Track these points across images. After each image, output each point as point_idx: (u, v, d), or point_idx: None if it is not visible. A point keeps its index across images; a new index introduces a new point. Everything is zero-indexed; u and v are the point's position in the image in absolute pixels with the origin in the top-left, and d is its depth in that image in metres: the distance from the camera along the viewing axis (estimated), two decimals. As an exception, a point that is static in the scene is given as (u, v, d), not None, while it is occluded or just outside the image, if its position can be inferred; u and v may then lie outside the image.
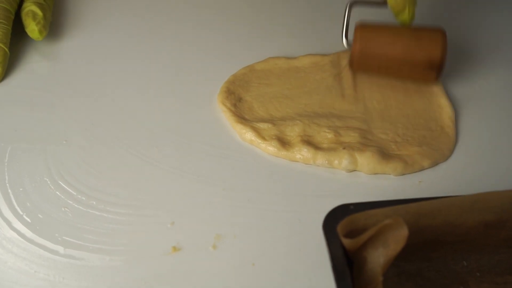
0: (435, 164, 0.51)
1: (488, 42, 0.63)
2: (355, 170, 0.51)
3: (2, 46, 0.56)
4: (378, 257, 0.40)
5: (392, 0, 0.52)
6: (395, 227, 0.39)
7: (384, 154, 0.51)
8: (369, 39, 0.53)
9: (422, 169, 0.51)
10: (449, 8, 0.67)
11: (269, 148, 0.52)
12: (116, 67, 0.59)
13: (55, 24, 0.62)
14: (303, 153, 0.51)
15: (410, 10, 0.53)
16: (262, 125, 0.53)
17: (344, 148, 0.51)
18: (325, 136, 0.52)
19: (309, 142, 0.51)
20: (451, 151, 0.52)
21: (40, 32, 0.58)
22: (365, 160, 0.50)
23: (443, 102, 0.55)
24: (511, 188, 0.44)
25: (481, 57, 0.61)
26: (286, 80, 0.58)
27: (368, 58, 0.54)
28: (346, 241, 0.40)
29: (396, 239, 0.39)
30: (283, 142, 0.52)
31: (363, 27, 0.54)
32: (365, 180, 0.50)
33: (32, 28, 0.57)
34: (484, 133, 0.54)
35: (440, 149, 0.52)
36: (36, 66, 0.58)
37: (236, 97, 0.55)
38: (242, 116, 0.54)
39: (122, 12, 0.64)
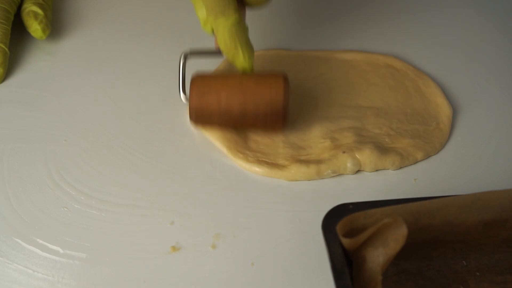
0: (427, 156, 0.52)
1: (488, 43, 0.63)
2: (359, 170, 0.51)
3: (3, 46, 0.56)
4: (378, 256, 0.39)
5: (222, 44, 0.48)
6: (395, 226, 0.39)
7: (381, 149, 0.51)
8: (203, 94, 0.49)
9: (416, 161, 0.51)
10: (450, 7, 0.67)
11: (257, 170, 0.50)
12: (116, 67, 0.59)
13: (54, 24, 0.62)
14: (303, 170, 0.50)
15: (245, 53, 0.48)
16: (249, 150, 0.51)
17: (344, 152, 0.50)
18: (322, 146, 0.52)
19: (308, 161, 0.50)
20: (442, 145, 0.53)
21: (44, 31, 0.58)
22: (367, 158, 0.50)
23: (441, 101, 0.56)
24: (510, 187, 0.44)
25: (481, 57, 0.61)
26: None
27: (206, 114, 0.49)
28: (345, 241, 0.40)
29: (396, 238, 0.39)
30: (274, 164, 0.50)
31: (197, 81, 0.49)
32: (369, 177, 0.51)
33: (35, 28, 0.58)
34: (481, 131, 0.54)
35: (431, 142, 0.52)
36: (36, 66, 0.58)
37: None
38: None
39: (121, 11, 0.64)
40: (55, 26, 0.62)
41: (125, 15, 0.64)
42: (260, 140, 0.52)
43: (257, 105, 0.48)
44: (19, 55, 0.59)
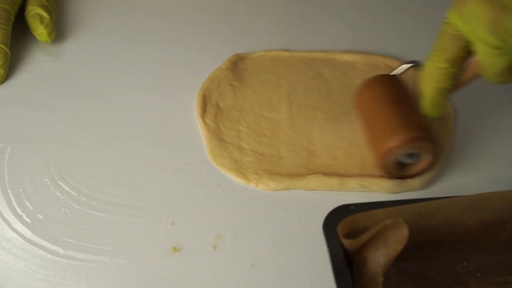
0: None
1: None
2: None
3: (3, 47, 0.56)
4: (379, 257, 0.40)
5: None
6: (396, 227, 0.39)
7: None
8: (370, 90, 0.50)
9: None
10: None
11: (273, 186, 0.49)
12: (116, 68, 0.59)
13: (55, 24, 0.62)
14: (325, 181, 0.49)
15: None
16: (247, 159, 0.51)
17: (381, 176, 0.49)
18: (344, 161, 0.50)
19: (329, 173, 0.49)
20: (452, 145, 0.53)
21: (49, 35, 0.58)
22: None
23: None
24: (510, 188, 0.44)
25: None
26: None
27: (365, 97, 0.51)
28: (346, 241, 0.40)
29: (397, 239, 0.39)
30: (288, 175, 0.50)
31: (376, 80, 0.50)
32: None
33: (40, 32, 0.58)
34: (481, 131, 0.54)
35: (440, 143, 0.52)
36: (36, 66, 0.58)
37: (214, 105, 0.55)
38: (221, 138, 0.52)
39: (122, 13, 0.64)
40: (56, 27, 0.62)
41: (126, 16, 0.64)
42: (263, 149, 0.52)
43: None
44: (20, 55, 0.59)
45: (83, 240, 0.45)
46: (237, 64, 0.59)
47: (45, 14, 0.58)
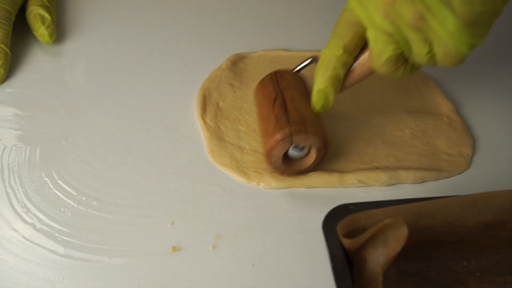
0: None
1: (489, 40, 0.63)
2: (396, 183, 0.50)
3: (3, 47, 0.56)
4: (378, 257, 0.39)
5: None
6: (395, 226, 0.39)
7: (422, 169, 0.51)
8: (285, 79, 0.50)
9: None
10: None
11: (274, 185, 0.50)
12: (116, 68, 0.59)
13: (56, 24, 0.62)
14: (325, 178, 0.49)
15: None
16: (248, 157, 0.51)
17: (377, 168, 0.50)
18: (346, 158, 0.51)
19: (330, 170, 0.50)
20: (471, 147, 0.53)
21: (50, 36, 0.58)
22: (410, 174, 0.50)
23: (441, 99, 0.56)
24: (511, 188, 0.44)
25: (481, 57, 0.62)
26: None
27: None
28: (346, 241, 0.40)
29: (396, 239, 0.38)
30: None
31: (291, 73, 0.50)
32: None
33: (42, 32, 0.58)
34: (481, 131, 0.55)
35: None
36: (36, 66, 0.58)
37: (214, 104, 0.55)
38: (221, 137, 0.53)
39: (122, 13, 0.64)
40: (57, 27, 0.62)
41: (126, 16, 0.64)
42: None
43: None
44: (20, 55, 0.59)
45: (83, 240, 0.45)
46: (237, 63, 0.59)
47: (46, 15, 0.58)
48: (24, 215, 0.47)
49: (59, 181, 0.49)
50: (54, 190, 0.48)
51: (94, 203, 0.48)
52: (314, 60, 0.50)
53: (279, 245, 0.46)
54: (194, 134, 0.53)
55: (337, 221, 0.40)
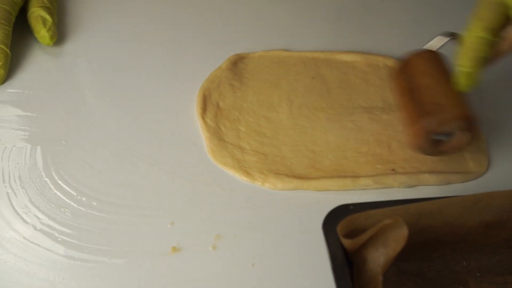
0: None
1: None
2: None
3: (4, 48, 0.56)
4: (378, 257, 0.39)
5: None
6: (395, 227, 0.39)
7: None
8: (417, 65, 0.49)
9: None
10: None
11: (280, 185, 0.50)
12: (116, 68, 0.59)
13: (57, 25, 0.62)
14: (335, 181, 0.49)
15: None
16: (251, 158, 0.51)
17: (393, 170, 0.50)
18: (355, 160, 0.51)
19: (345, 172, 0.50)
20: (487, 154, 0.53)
21: (51, 38, 0.58)
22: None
23: None
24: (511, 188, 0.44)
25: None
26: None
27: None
28: (346, 241, 0.40)
29: (396, 239, 0.39)
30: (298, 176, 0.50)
31: (426, 54, 0.49)
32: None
33: (43, 34, 0.58)
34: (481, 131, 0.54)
35: None
36: (36, 66, 0.58)
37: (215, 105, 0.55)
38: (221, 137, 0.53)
39: (122, 13, 0.64)
40: (57, 27, 0.62)
41: (126, 17, 0.64)
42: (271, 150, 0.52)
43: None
44: (20, 55, 0.59)
45: (83, 240, 0.45)
46: (237, 64, 0.59)
47: (48, 17, 0.58)
48: (24, 216, 0.47)
49: (59, 181, 0.49)
50: (54, 190, 0.48)
51: (94, 203, 0.48)
52: (454, 37, 0.49)
53: (279, 245, 0.46)
54: (194, 134, 0.53)
55: (337, 221, 0.40)
